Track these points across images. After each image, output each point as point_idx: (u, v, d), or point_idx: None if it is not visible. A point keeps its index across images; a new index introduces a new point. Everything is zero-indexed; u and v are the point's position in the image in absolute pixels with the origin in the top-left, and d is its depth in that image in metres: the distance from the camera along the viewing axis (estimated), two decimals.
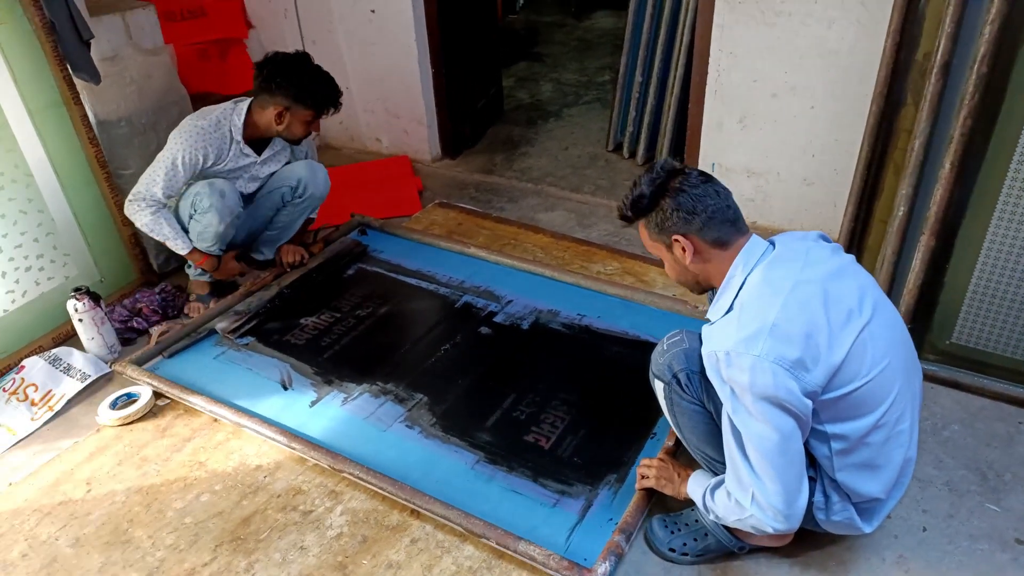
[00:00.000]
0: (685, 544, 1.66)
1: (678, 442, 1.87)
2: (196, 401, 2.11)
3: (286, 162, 2.64)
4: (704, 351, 1.45)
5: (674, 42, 3.23)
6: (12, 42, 2.20)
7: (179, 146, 2.32)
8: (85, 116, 2.46)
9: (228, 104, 2.44)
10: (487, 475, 1.89)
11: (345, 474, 1.88)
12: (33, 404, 2.17)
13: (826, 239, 1.59)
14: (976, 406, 2.07)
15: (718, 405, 1.49)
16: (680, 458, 1.83)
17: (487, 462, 1.92)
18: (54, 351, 2.30)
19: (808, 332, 1.34)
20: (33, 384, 2.21)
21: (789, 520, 1.39)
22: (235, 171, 2.49)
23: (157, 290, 2.60)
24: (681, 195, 1.45)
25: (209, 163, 2.40)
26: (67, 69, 2.38)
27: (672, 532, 1.68)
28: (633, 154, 3.63)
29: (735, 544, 1.64)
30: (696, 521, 1.68)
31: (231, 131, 2.41)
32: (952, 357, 2.15)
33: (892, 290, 2.21)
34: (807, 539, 1.65)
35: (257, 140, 2.49)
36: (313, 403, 2.14)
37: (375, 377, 2.22)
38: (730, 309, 1.46)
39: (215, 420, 2.11)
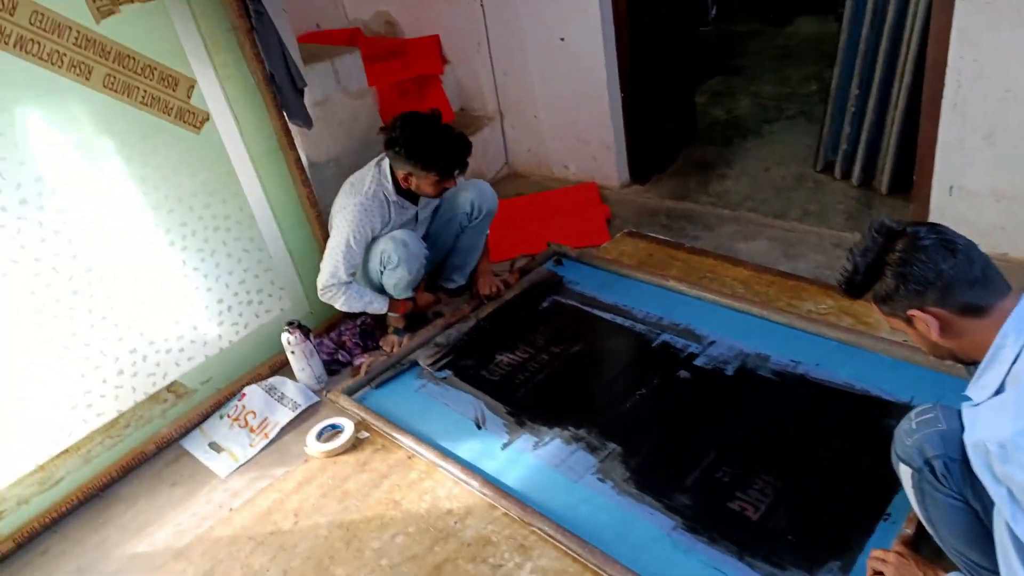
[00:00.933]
0: None
1: (920, 530, 1.59)
2: (398, 437, 2.15)
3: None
4: (968, 440, 1.20)
5: (898, 50, 2.86)
6: (238, 95, 2.39)
7: (347, 228, 2.41)
8: (299, 159, 2.62)
9: (373, 167, 2.48)
10: (686, 545, 1.73)
11: (535, 528, 1.80)
12: (252, 431, 2.33)
13: None
14: None
15: (987, 503, 1.23)
16: (923, 551, 1.55)
17: (686, 530, 1.76)
18: (270, 380, 2.47)
19: None
20: (252, 411, 2.37)
21: None
22: (403, 224, 2.55)
23: (358, 322, 2.71)
24: (905, 265, 1.24)
25: (377, 232, 2.47)
26: (283, 116, 2.55)
27: None
28: (847, 175, 3.28)
29: None
30: None
31: (385, 195, 2.46)
32: None
33: None
34: None
35: (408, 190, 2.50)
36: (505, 446, 2.10)
37: (567, 421, 2.14)
38: (1000, 388, 1.20)
39: (410, 457, 2.13)
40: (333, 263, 2.44)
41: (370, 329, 2.69)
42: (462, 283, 2.83)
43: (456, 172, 2.39)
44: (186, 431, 2.37)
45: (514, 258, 3.10)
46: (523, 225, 3.34)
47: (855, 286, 1.34)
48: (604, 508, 1.86)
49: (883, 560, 1.50)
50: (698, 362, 2.29)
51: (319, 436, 2.24)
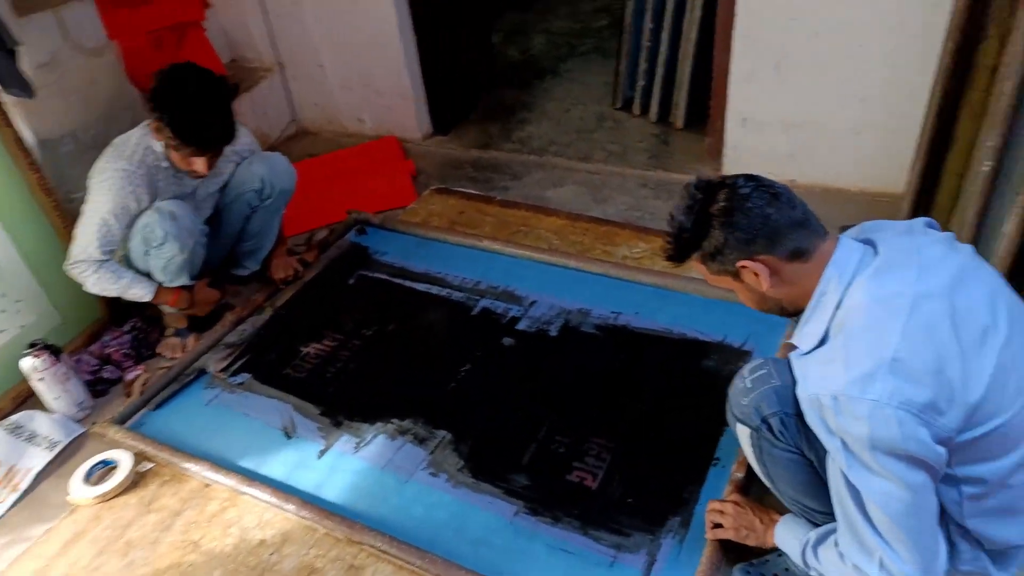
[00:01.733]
0: None
1: (749, 473, 1.58)
2: (187, 466, 1.81)
3: (233, 167, 2.26)
4: (802, 394, 1.15)
5: None
6: None
7: (104, 200, 1.98)
8: (19, 138, 2.11)
9: (140, 130, 2.04)
10: (529, 530, 1.60)
11: (364, 545, 1.59)
12: None
13: (934, 227, 1.27)
14: None
15: (820, 452, 1.20)
16: (752, 491, 1.55)
17: (528, 512, 1.64)
18: (14, 417, 2.01)
19: (938, 365, 1.04)
20: None
21: None
22: (179, 198, 2.13)
23: (127, 328, 2.29)
24: (731, 214, 1.17)
25: (145, 205, 2.05)
26: None
27: None
28: (645, 111, 3.26)
29: None
30: (787, 570, 1.41)
31: (155, 159, 2.04)
32: None
33: None
34: None
35: None
36: (322, 452, 1.85)
37: (389, 413, 1.92)
38: (825, 336, 1.15)
39: (207, 486, 1.82)
40: (85, 238, 2.00)
41: (143, 335, 2.28)
42: (256, 269, 2.47)
43: (217, 148, 1.99)
44: None
45: (311, 231, 2.78)
46: (319, 191, 2.99)
47: (683, 246, 1.24)
48: (439, 505, 1.69)
49: (721, 511, 1.48)
50: (521, 326, 2.15)
51: (87, 478, 1.84)
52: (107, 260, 2.06)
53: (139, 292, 2.11)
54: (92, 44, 2.63)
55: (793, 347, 1.23)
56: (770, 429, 1.24)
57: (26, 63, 2.18)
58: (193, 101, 1.88)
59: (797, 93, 2.47)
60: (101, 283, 2.07)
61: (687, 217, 1.22)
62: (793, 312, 1.29)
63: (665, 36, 3.01)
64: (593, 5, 4.61)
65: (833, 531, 1.23)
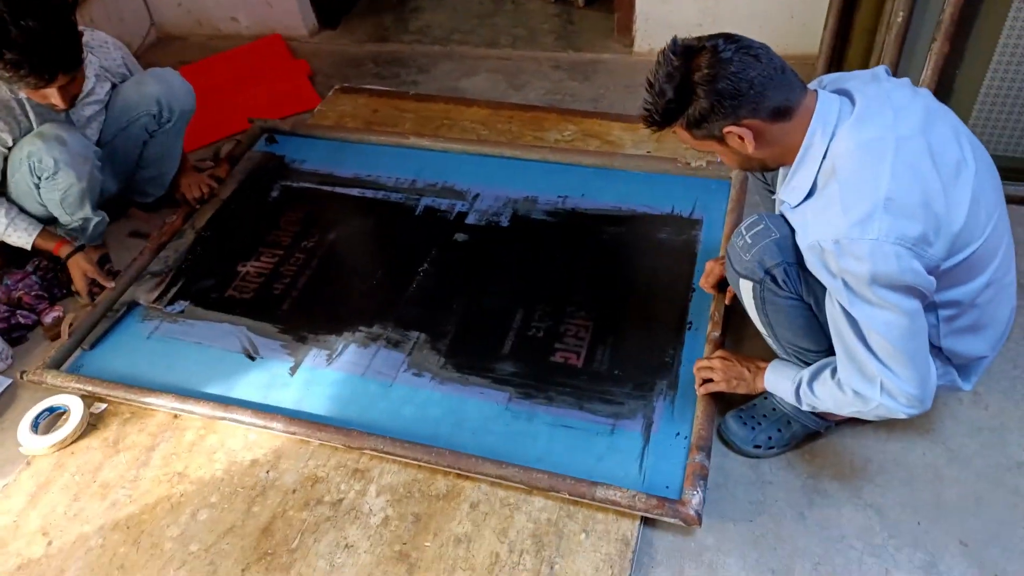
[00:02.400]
0: (770, 438, 1.53)
1: (724, 331, 1.69)
2: (152, 401, 1.70)
3: (110, 87, 2.01)
4: (803, 242, 1.22)
5: None
6: None
7: None
8: None
9: None
10: (526, 412, 1.65)
11: (367, 452, 1.58)
12: None
13: (889, 73, 1.35)
14: None
15: (818, 295, 1.30)
16: (726, 346, 1.67)
17: (521, 397, 1.68)
18: None
19: (925, 200, 1.14)
20: None
21: (924, 403, 1.25)
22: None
23: (31, 269, 2.05)
24: (716, 81, 1.17)
25: (8, 143, 1.83)
26: None
27: (752, 428, 1.54)
28: None
29: (822, 425, 1.53)
30: (774, 410, 1.54)
31: (10, 92, 1.78)
32: None
33: None
34: None
35: None
36: (293, 370, 1.79)
37: (355, 322, 1.87)
38: (813, 187, 1.22)
39: (175, 416, 1.72)
40: None
41: (53, 274, 2.05)
42: (161, 194, 2.25)
43: (59, 75, 1.67)
44: None
45: (213, 144, 2.55)
46: (210, 100, 2.72)
47: (666, 114, 1.24)
48: (430, 401, 1.69)
49: (709, 367, 1.57)
50: (470, 220, 2.13)
51: (35, 428, 1.69)
52: None
53: (18, 235, 1.92)
54: None
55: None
56: (774, 280, 1.31)
57: None
58: (15, 23, 1.55)
59: None
60: None
61: (668, 84, 1.20)
62: (774, 167, 1.35)
63: None
64: None
65: (825, 367, 1.35)
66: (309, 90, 2.80)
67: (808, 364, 1.41)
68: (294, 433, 1.62)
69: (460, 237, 2.08)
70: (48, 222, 1.99)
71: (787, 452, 1.55)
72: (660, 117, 1.25)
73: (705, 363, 1.59)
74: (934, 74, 1.89)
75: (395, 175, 2.30)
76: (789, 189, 1.26)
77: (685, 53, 1.20)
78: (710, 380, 1.57)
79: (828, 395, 1.34)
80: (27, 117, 1.84)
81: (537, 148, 2.31)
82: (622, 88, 2.63)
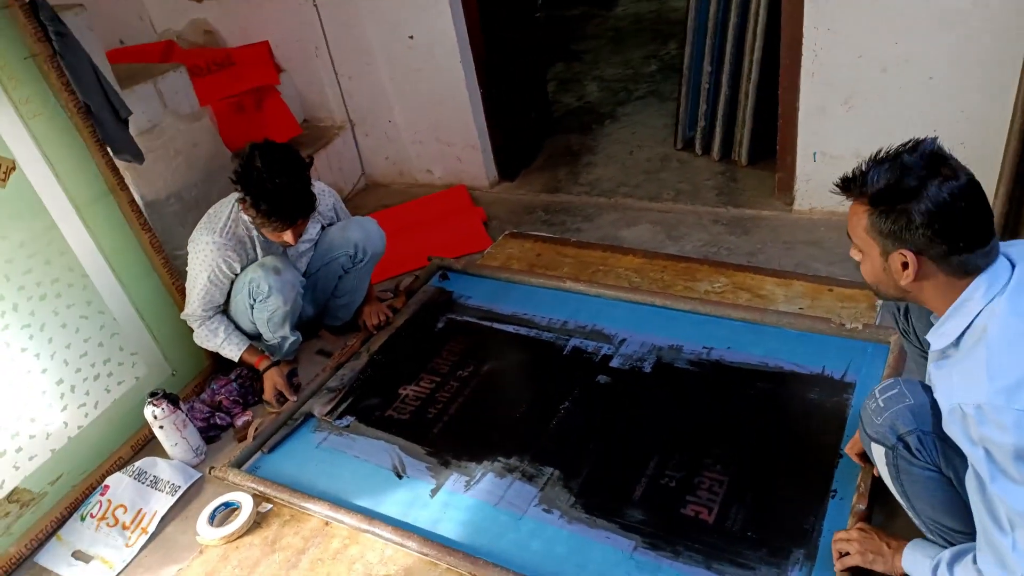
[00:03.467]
0: None
1: (871, 504, 1.59)
2: (308, 506, 1.88)
3: (320, 228, 2.39)
4: (944, 405, 1.17)
5: (746, 23, 2.92)
6: (48, 134, 1.99)
7: (200, 268, 2.16)
8: (133, 201, 2.25)
9: (230, 200, 2.18)
10: (651, 564, 1.63)
11: None
12: (125, 528, 1.96)
13: None
14: None
15: (959, 470, 1.22)
16: (874, 521, 1.55)
17: (647, 547, 1.66)
18: (137, 464, 2.09)
19: None
20: (122, 505, 2.00)
21: None
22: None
23: (233, 377, 2.39)
24: (942, 205, 1.11)
25: (237, 270, 2.21)
26: (108, 153, 2.17)
27: None
28: (707, 150, 3.33)
29: None
30: None
31: (246, 232, 2.19)
32: None
33: None
34: None
35: None
36: (434, 492, 1.90)
37: (495, 452, 1.98)
38: (959, 339, 1.18)
39: (327, 524, 1.88)
40: (191, 297, 2.23)
41: (250, 383, 2.38)
42: (348, 319, 2.57)
43: (300, 220, 2.09)
44: (40, 544, 1.97)
45: (396, 278, 2.88)
46: (398, 239, 3.09)
47: (885, 197, 1.14)
48: (557, 539, 1.72)
49: (847, 540, 1.48)
50: (614, 363, 2.20)
51: (211, 520, 1.92)
52: (211, 317, 2.25)
53: (230, 348, 2.28)
54: (187, 110, 2.81)
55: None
56: (907, 447, 1.26)
57: (132, 130, 2.34)
58: (270, 181, 1.97)
59: (870, 125, 2.52)
60: (200, 337, 2.27)
61: (901, 171, 1.13)
62: (902, 299, 1.29)
63: (725, 78, 3.09)
64: (640, 53, 4.75)
65: (969, 550, 1.24)
66: (482, 233, 3.09)
67: (952, 545, 1.30)
68: (426, 554, 1.72)
69: (603, 379, 2.15)
70: (253, 338, 2.34)
71: None
72: (875, 197, 1.17)
73: (843, 535, 1.50)
74: None
75: (549, 315, 2.45)
76: (939, 334, 1.21)
77: (934, 159, 1.15)
78: (847, 554, 1.47)
79: None
80: (255, 250, 2.23)
81: (686, 298, 2.36)
82: (780, 244, 2.65)
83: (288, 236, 2.10)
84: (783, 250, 2.62)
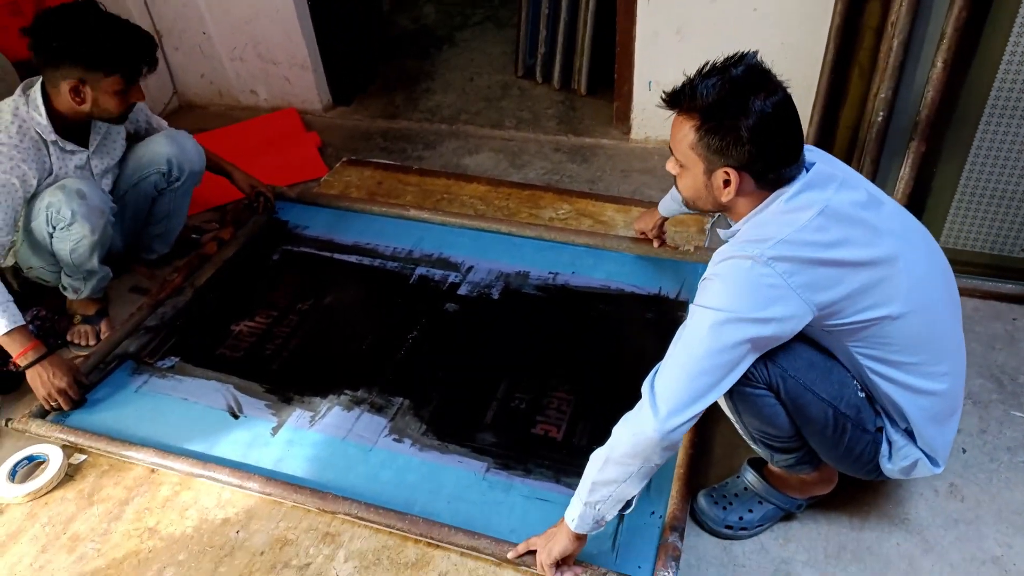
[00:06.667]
0: (741, 518, 1.52)
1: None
2: (132, 454, 1.71)
3: (125, 138, 2.11)
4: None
5: None
6: None
7: None
8: None
9: (16, 98, 1.84)
10: (503, 483, 1.65)
11: (340, 515, 1.58)
12: None
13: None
14: (969, 307, 2.03)
15: (785, 377, 1.30)
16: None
17: (499, 468, 1.68)
18: None
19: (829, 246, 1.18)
20: None
21: (660, 428, 1.23)
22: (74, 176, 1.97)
23: (28, 317, 2.08)
24: (767, 120, 1.14)
25: (33, 186, 1.86)
26: None
27: (724, 507, 1.53)
28: (548, 79, 3.33)
29: (793, 504, 1.51)
30: (745, 489, 1.54)
31: (38, 132, 1.86)
32: None
33: None
34: (857, 485, 1.53)
35: (74, 128, 1.93)
36: (275, 430, 1.80)
37: (341, 385, 1.89)
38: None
39: (153, 471, 1.72)
40: None
41: (49, 324, 2.09)
42: (165, 251, 2.33)
43: (144, 70, 1.85)
44: None
45: (221, 206, 2.64)
46: None
47: (712, 111, 1.17)
48: (408, 467, 1.69)
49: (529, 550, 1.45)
50: (462, 291, 2.17)
51: (12, 476, 1.70)
52: None
53: None
54: None
55: None
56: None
57: None
58: (100, 24, 1.72)
59: (699, 56, 2.59)
60: None
61: (727, 88, 1.15)
62: (717, 212, 1.39)
63: (565, 3, 3.07)
64: None
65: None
66: (318, 160, 2.90)
67: (771, 449, 1.42)
68: (269, 494, 1.62)
69: (451, 307, 2.12)
70: (54, 274, 2.05)
71: (760, 534, 1.53)
72: (704, 111, 1.18)
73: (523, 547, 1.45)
74: (912, 172, 1.96)
75: (393, 245, 2.36)
76: (731, 232, 1.30)
77: (757, 73, 1.17)
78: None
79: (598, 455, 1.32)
80: (49, 159, 1.89)
81: (531, 225, 2.37)
82: (618, 172, 2.72)
83: (137, 93, 1.86)
84: (621, 178, 2.69)
